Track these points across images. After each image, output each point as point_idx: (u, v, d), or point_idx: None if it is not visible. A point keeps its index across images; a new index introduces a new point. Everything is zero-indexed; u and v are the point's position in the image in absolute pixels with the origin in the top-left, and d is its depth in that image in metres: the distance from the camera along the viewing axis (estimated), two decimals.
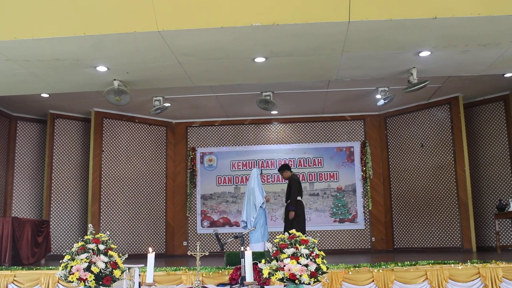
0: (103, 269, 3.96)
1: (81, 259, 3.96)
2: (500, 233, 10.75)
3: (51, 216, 11.76)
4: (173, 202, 13.10)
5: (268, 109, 11.15)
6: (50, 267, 7.04)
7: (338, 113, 13.04)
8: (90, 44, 6.32)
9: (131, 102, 8.59)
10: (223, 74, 7.87)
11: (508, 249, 10.58)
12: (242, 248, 4.87)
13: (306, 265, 3.91)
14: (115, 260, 4.09)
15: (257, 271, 4.57)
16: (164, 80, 8.15)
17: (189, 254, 4.87)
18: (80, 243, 4.13)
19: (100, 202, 11.88)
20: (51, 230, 10.92)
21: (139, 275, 4.68)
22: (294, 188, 9.24)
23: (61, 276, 4.02)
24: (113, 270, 4.02)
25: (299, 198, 9.24)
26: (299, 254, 3.96)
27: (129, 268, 4.51)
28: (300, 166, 13.01)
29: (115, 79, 7.87)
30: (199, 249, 4.68)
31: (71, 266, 3.96)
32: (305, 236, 4.18)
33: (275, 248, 4.08)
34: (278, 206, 12.74)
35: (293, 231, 4.22)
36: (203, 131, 13.42)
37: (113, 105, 9.27)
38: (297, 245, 4.03)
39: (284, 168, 9.65)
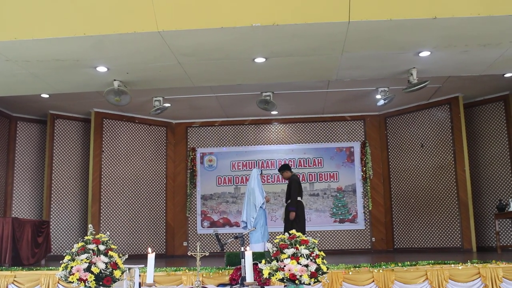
0: (103, 270, 3.96)
1: (81, 260, 3.97)
2: (500, 233, 10.75)
3: (51, 216, 11.76)
4: (173, 202, 13.10)
5: (268, 110, 11.15)
6: (50, 267, 7.04)
7: (338, 113, 13.05)
8: (90, 44, 6.32)
9: (131, 103, 8.59)
10: (223, 74, 7.87)
11: (508, 249, 10.57)
12: (242, 249, 4.87)
13: (306, 266, 3.91)
14: (115, 261, 4.09)
15: (257, 272, 4.57)
16: (164, 81, 8.15)
17: (189, 254, 4.87)
18: (80, 244, 4.13)
19: (100, 203, 11.88)
20: (51, 230, 10.92)
21: (139, 275, 4.69)
22: (294, 188, 9.23)
23: (61, 277, 4.02)
24: (113, 270, 4.02)
25: (299, 198, 9.24)
26: (299, 255, 3.96)
27: (129, 269, 4.51)
28: (300, 166, 13.01)
29: (115, 80, 7.87)
30: (199, 250, 4.68)
31: (71, 267, 3.96)
32: (305, 237, 4.18)
33: (275, 249, 4.09)
34: (278, 207, 12.74)
35: (293, 231, 4.22)
36: (203, 131, 13.42)
37: (113, 106, 9.27)
38: (297, 246, 4.03)
39: (284, 168, 9.65)
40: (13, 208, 11.92)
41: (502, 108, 11.46)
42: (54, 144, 12.11)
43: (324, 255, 4.09)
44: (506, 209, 10.42)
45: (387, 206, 12.69)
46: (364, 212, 12.77)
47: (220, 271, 6.28)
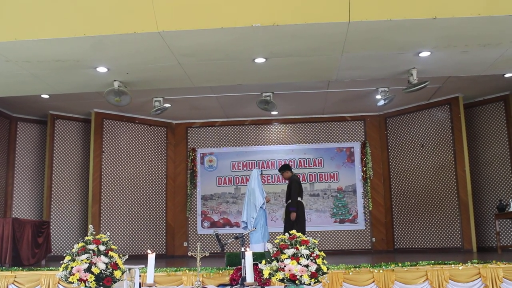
0: (103, 270, 3.96)
1: (82, 260, 3.97)
2: (500, 234, 10.75)
3: (52, 217, 11.76)
4: (173, 202, 13.10)
5: (268, 110, 11.15)
6: (50, 268, 7.04)
7: (338, 114, 13.05)
8: (90, 45, 6.32)
9: (131, 103, 8.60)
10: (223, 74, 7.87)
11: (509, 249, 10.57)
12: (242, 249, 4.87)
13: (307, 266, 3.91)
14: (116, 261, 4.09)
15: (258, 272, 4.57)
16: (164, 81, 8.15)
17: (190, 254, 4.87)
18: (80, 244, 4.13)
19: (100, 203, 11.88)
20: (51, 231, 10.92)
21: (140, 276, 4.68)
22: (294, 188, 9.23)
23: (61, 277, 4.02)
24: (114, 271, 4.02)
25: (299, 199, 9.23)
26: (299, 255, 3.96)
27: (129, 269, 4.51)
28: (300, 167, 13.01)
29: (115, 80, 7.87)
30: (200, 250, 4.68)
31: (72, 267, 3.96)
32: (306, 237, 4.18)
33: (275, 249, 4.09)
34: (278, 207, 12.74)
35: (293, 231, 4.22)
36: (203, 131, 13.42)
37: (113, 106, 9.27)
38: (298, 246, 4.03)
39: (285, 168, 9.65)
40: (14, 209, 11.92)
41: (502, 108, 11.46)
42: (54, 145, 12.12)
43: (324, 255, 4.09)
44: (507, 209, 10.41)
45: (387, 206, 12.69)
46: (364, 213, 12.77)
47: (221, 272, 6.28)
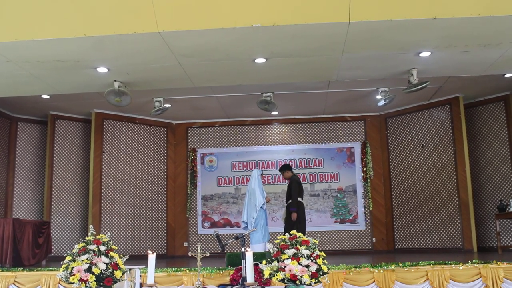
0: (104, 270, 3.97)
1: (82, 260, 3.97)
2: (501, 234, 10.74)
3: (52, 217, 11.76)
4: (173, 203, 13.10)
5: (268, 110, 11.16)
6: (51, 268, 7.04)
7: (338, 114, 13.05)
8: (90, 45, 6.33)
9: (131, 103, 8.60)
10: (224, 75, 7.87)
11: (509, 249, 10.56)
12: (243, 249, 4.87)
13: (307, 266, 3.91)
14: (116, 261, 4.09)
15: (258, 272, 4.58)
16: (164, 81, 8.15)
17: (190, 255, 4.88)
18: (81, 244, 4.13)
19: (101, 203, 11.89)
20: (52, 231, 10.92)
21: (140, 276, 4.69)
22: (294, 189, 9.22)
23: (62, 277, 4.02)
24: (114, 271, 4.02)
25: (299, 199, 9.23)
26: (300, 255, 3.96)
27: (130, 269, 4.51)
28: (300, 167, 13.01)
29: (115, 80, 7.87)
30: (200, 250, 4.68)
31: (72, 267, 3.96)
32: (306, 237, 4.18)
33: (276, 249, 4.09)
34: (278, 207, 12.74)
35: (294, 231, 4.22)
36: (204, 132, 13.42)
37: (114, 106, 9.28)
38: (298, 246, 4.04)
39: (285, 168, 9.65)
40: (14, 209, 11.92)
41: (503, 108, 11.45)
42: (55, 145, 12.12)
43: (324, 255, 4.09)
44: (507, 209, 10.41)
45: (388, 206, 12.68)
46: (364, 213, 12.77)
47: (221, 272, 6.28)
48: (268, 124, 13.33)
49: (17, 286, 6.63)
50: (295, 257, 3.95)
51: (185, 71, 7.50)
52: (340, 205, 12.89)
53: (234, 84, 8.67)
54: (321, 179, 13.03)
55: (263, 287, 4.60)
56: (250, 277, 4.11)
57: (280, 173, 10.09)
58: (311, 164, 13.10)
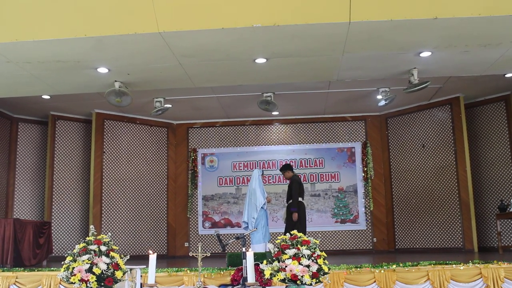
0: (105, 270, 3.97)
1: (83, 261, 3.97)
2: (501, 234, 10.74)
3: (53, 217, 11.76)
4: (174, 203, 13.10)
5: (269, 110, 11.16)
6: (52, 268, 7.04)
7: (339, 114, 13.05)
8: (90, 45, 6.33)
9: (132, 104, 8.60)
10: (224, 75, 7.88)
11: (510, 249, 10.55)
12: (243, 249, 4.87)
13: (308, 266, 3.91)
14: (117, 261, 4.09)
15: (259, 272, 4.57)
16: (165, 81, 8.15)
17: (191, 255, 4.88)
18: (82, 245, 4.13)
19: (101, 203, 11.89)
20: (52, 231, 10.91)
21: (141, 276, 4.69)
22: (294, 189, 9.22)
23: (63, 278, 4.02)
24: (115, 271, 4.03)
25: (300, 199, 9.22)
26: (300, 255, 3.96)
27: (130, 269, 4.51)
28: (301, 167, 13.01)
29: (116, 81, 7.88)
30: (201, 250, 4.68)
31: (73, 268, 3.96)
32: (307, 237, 4.18)
33: (276, 249, 4.09)
34: (279, 207, 12.74)
35: (294, 231, 4.22)
36: (204, 132, 13.43)
37: (114, 107, 9.28)
38: (299, 246, 4.04)
39: (286, 168, 9.65)
40: (15, 209, 11.93)
41: (503, 108, 11.45)
42: (55, 145, 12.12)
43: (325, 255, 4.09)
44: (508, 209, 10.40)
45: (388, 206, 12.68)
46: (365, 213, 12.77)
47: (222, 272, 6.28)
48: (268, 124, 13.33)
49: (18, 286, 6.64)
50: (296, 257, 3.95)
51: (185, 71, 7.51)
52: (340, 205, 12.89)
53: (234, 84, 8.67)
54: (322, 179, 13.03)
55: (263, 287, 4.60)
56: (251, 277, 4.11)
57: (280, 173, 10.09)
58: (312, 164, 13.10)
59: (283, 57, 7.03)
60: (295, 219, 8.99)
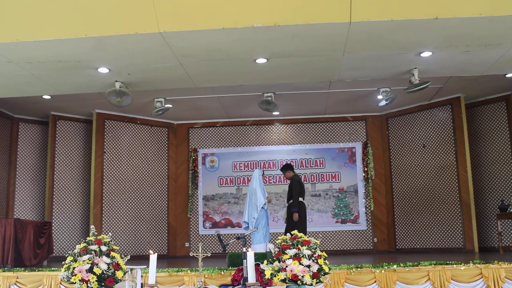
0: (105, 270, 3.97)
1: (84, 261, 3.97)
2: (502, 234, 10.73)
3: (53, 217, 11.77)
4: (175, 203, 13.10)
5: (269, 110, 11.16)
6: (52, 268, 7.05)
7: (339, 114, 13.05)
8: (91, 45, 6.33)
9: (132, 104, 8.60)
10: (225, 75, 7.88)
11: (511, 249, 10.54)
12: (244, 249, 4.87)
13: (308, 266, 3.91)
14: (118, 261, 4.09)
15: (259, 272, 4.57)
16: (165, 82, 8.16)
17: (191, 255, 4.88)
18: (82, 245, 4.13)
19: (102, 204, 11.90)
20: (53, 231, 10.92)
21: (141, 276, 4.69)
22: (295, 189, 9.22)
23: (63, 278, 4.02)
24: (116, 271, 4.03)
25: (300, 199, 9.22)
26: (301, 255, 3.96)
27: (131, 269, 4.51)
28: (302, 167, 13.01)
29: (116, 81, 7.88)
30: (201, 250, 4.68)
31: (74, 268, 3.96)
32: (307, 237, 4.18)
33: (277, 249, 4.09)
34: (280, 207, 12.74)
35: (295, 231, 4.22)
36: (205, 132, 13.43)
37: (115, 107, 9.28)
38: (299, 246, 4.04)
39: (287, 168, 9.65)
40: (15, 209, 11.93)
41: (504, 108, 11.45)
42: (56, 145, 12.13)
43: (326, 255, 4.09)
44: (508, 209, 10.40)
45: (389, 206, 12.68)
46: (366, 213, 12.77)
47: (222, 272, 6.28)
48: (269, 124, 13.33)
49: (18, 287, 6.64)
50: (297, 257, 3.95)
51: (186, 72, 7.51)
52: (341, 205, 12.89)
53: (235, 84, 8.67)
54: (322, 179, 13.03)
55: (264, 287, 4.60)
56: (251, 277, 4.11)
57: (281, 173, 10.10)
58: (312, 164, 13.10)
59: (283, 57, 7.03)
60: (296, 219, 8.99)
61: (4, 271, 6.90)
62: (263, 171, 9.78)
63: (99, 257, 4.02)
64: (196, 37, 6.17)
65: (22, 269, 7.02)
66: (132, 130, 12.74)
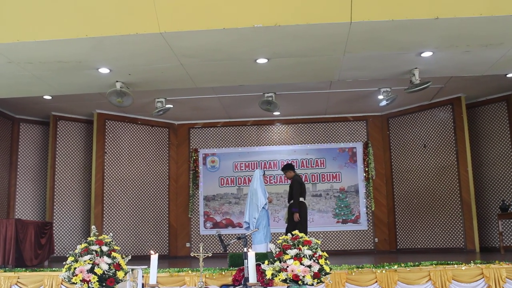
0: (106, 271, 3.97)
1: (85, 261, 3.97)
2: (503, 234, 10.72)
3: (54, 217, 11.77)
4: (175, 203, 13.11)
5: (270, 110, 11.16)
6: (53, 268, 7.06)
7: (340, 114, 13.04)
8: (92, 46, 6.33)
9: (133, 104, 8.61)
10: (225, 75, 7.88)
11: None
12: (245, 249, 4.87)
13: (309, 266, 3.91)
14: (119, 262, 4.09)
15: (260, 272, 4.58)
16: (166, 82, 8.16)
17: (192, 255, 4.88)
18: (83, 245, 4.13)
19: (103, 204, 11.90)
20: (54, 231, 10.93)
21: (142, 276, 4.69)
22: (295, 189, 9.22)
23: (64, 278, 4.02)
24: (116, 271, 4.03)
25: (301, 199, 9.22)
26: (302, 255, 3.96)
27: (132, 270, 4.51)
28: (302, 167, 13.00)
29: (117, 81, 7.88)
30: (202, 250, 4.68)
31: (75, 268, 3.96)
32: (308, 237, 4.18)
33: (278, 249, 4.09)
34: (280, 207, 12.74)
35: (296, 232, 4.22)
36: (206, 132, 13.43)
37: (116, 107, 9.28)
38: (300, 246, 4.03)
39: (288, 168, 9.66)
40: (16, 210, 11.94)
41: (505, 108, 11.44)
42: (57, 146, 12.14)
43: (327, 255, 4.09)
44: (509, 209, 10.39)
45: (390, 206, 12.67)
46: (366, 213, 12.76)
47: (223, 272, 6.28)
48: (270, 125, 13.33)
49: (19, 287, 6.65)
50: (297, 257, 3.94)
51: (187, 72, 7.51)
52: (342, 205, 12.88)
53: (235, 84, 8.68)
54: (323, 179, 13.03)
55: (265, 287, 4.60)
56: (252, 278, 4.11)
57: (282, 172, 10.10)
58: (313, 164, 13.10)
59: (284, 57, 7.03)
60: (296, 219, 8.98)
61: (5, 271, 6.91)
62: (264, 171, 9.78)
63: (100, 257, 4.02)
64: (196, 37, 6.18)
65: (23, 269, 7.03)
66: (132, 130, 12.74)
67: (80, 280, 3.90)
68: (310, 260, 3.95)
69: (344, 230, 12.74)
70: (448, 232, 11.53)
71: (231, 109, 12.38)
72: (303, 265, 3.90)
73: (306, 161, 13.11)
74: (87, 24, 5.96)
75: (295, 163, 12.80)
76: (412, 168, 12.36)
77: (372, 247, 12.58)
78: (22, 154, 12.24)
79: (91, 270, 3.93)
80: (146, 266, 4.66)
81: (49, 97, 10.61)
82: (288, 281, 3.92)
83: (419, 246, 12.01)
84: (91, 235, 4.24)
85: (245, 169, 13.18)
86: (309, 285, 3.92)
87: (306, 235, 4.28)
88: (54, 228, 11.11)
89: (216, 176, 13.26)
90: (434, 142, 12.02)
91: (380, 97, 10.60)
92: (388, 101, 10.38)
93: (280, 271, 3.93)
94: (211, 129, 13.41)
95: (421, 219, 12.06)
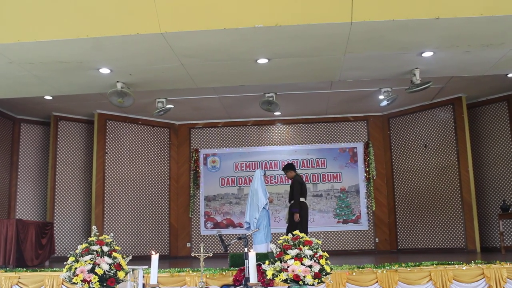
0: (107, 271, 3.97)
1: (85, 261, 3.97)
2: (504, 234, 10.71)
3: (55, 218, 11.78)
4: (176, 203, 13.11)
5: (271, 110, 11.16)
6: (54, 268, 7.06)
7: (341, 114, 13.04)
8: (92, 46, 6.34)
9: (134, 104, 8.61)
10: (226, 75, 7.88)
11: None
12: (245, 249, 4.87)
13: (310, 266, 3.91)
14: (119, 262, 4.09)
15: (261, 272, 4.58)
16: (167, 82, 8.16)
17: (193, 255, 4.88)
18: (84, 245, 4.13)
19: (103, 204, 11.90)
20: (55, 232, 10.94)
21: (143, 276, 4.69)
22: (296, 189, 9.21)
23: (65, 278, 4.03)
24: (117, 271, 4.03)
25: (302, 199, 9.22)
26: (302, 255, 3.96)
27: (133, 270, 4.51)
28: (303, 167, 13.00)
29: (118, 81, 7.88)
30: (203, 251, 4.69)
31: (75, 268, 3.96)
32: (309, 237, 4.18)
33: (278, 249, 4.09)
34: (281, 207, 12.74)
35: (296, 232, 4.22)
36: (206, 132, 13.43)
37: (116, 107, 9.29)
38: (301, 246, 4.03)
39: (289, 167, 9.65)
40: (17, 210, 11.95)
41: (506, 108, 11.43)
42: (58, 146, 12.14)
43: (327, 255, 4.09)
44: (510, 209, 10.38)
45: (391, 206, 12.67)
46: (367, 213, 12.76)
47: (224, 272, 6.28)
48: (270, 125, 13.33)
49: (20, 287, 6.65)
50: (298, 257, 3.94)
51: (187, 72, 7.51)
52: (343, 205, 12.88)
53: (236, 84, 8.68)
54: (324, 179, 13.03)
55: (266, 287, 4.60)
56: (253, 278, 4.11)
57: (283, 172, 10.10)
58: (314, 165, 13.09)
59: (285, 58, 7.03)
60: (297, 219, 8.98)
61: (6, 271, 6.91)
62: (265, 171, 9.78)
63: (101, 257, 4.02)
64: (197, 38, 6.18)
65: (24, 269, 7.04)
66: (133, 130, 12.74)
67: (81, 280, 3.90)
68: (310, 260, 3.95)
69: (345, 230, 12.74)
70: (448, 232, 11.53)
71: (231, 109, 12.38)
72: (304, 265, 3.90)
73: (306, 161, 13.11)
74: (87, 24, 5.96)
75: (296, 163, 12.79)
76: (413, 168, 12.36)
77: (373, 247, 12.58)
78: (23, 154, 12.25)
79: (92, 270, 3.93)
80: (147, 266, 4.66)
81: (50, 98, 10.61)
82: (288, 281, 3.92)
83: (419, 246, 12.01)
84: (91, 235, 4.24)
85: (245, 169, 13.18)
86: (310, 285, 3.92)
87: (306, 235, 4.28)
88: (54, 228, 11.12)
89: (217, 176, 13.26)
90: (435, 142, 12.02)
91: (381, 97, 10.60)
92: (389, 101, 10.38)
93: (280, 271, 3.93)
94: (211, 129, 13.42)
95: (422, 219, 12.05)
